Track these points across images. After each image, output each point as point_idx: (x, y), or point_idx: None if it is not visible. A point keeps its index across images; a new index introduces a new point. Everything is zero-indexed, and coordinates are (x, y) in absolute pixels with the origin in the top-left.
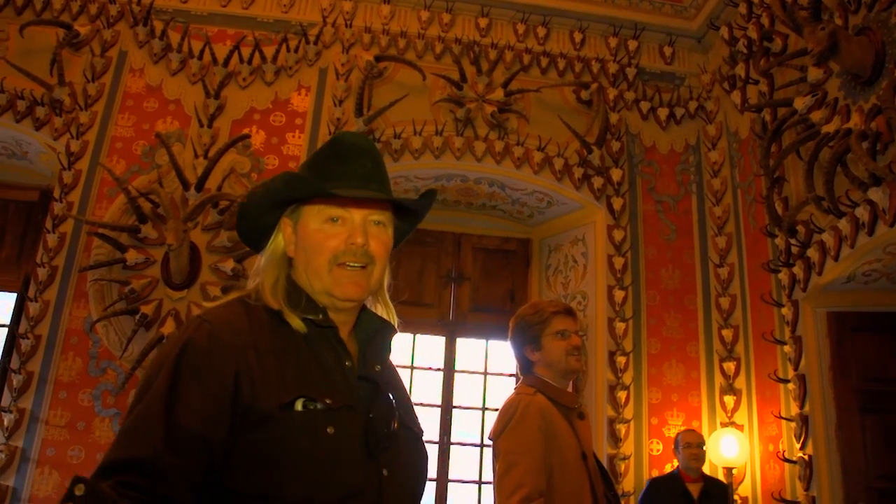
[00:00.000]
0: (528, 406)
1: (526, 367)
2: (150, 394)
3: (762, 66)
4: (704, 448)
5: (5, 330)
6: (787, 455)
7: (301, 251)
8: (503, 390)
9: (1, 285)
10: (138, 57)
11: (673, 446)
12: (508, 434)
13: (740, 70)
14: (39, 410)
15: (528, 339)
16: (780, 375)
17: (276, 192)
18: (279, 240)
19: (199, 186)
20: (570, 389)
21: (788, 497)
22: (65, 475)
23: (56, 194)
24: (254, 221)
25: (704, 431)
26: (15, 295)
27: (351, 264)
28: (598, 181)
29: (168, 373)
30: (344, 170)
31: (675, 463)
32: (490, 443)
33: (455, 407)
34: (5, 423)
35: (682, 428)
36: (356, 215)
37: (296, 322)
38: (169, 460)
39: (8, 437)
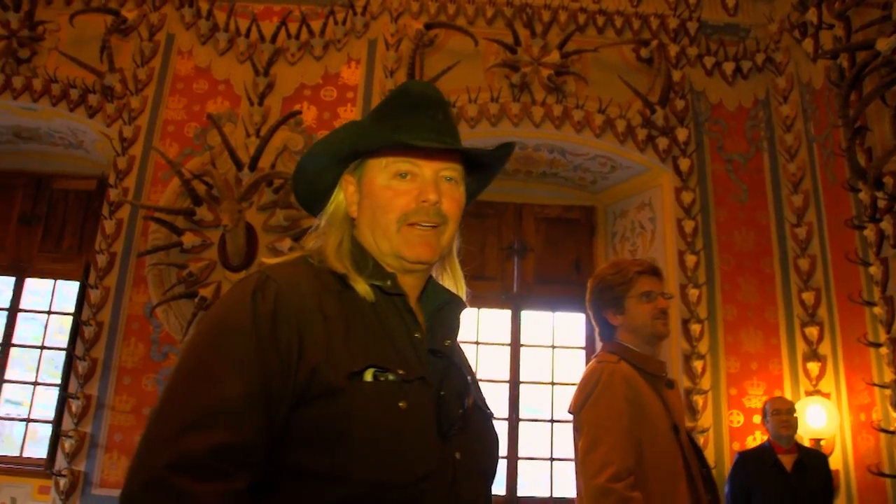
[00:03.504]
0: (612, 375)
1: (607, 332)
2: (217, 363)
3: (837, 8)
4: (795, 415)
5: (70, 318)
6: (882, 425)
7: (366, 210)
8: (571, 364)
9: (64, 274)
10: (186, 39)
11: (761, 416)
12: (591, 406)
13: (812, 16)
14: (105, 396)
15: (609, 302)
16: (871, 339)
17: (338, 144)
18: (340, 198)
19: (253, 166)
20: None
21: (887, 470)
22: None
23: (111, 181)
24: (312, 179)
25: None
26: (78, 283)
27: (423, 224)
28: (663, 142)
29: (236, 340)
30: (413, 121)
31: (759, 435)
32: (570, 417)
33: (522, 382)
34: (74, 409)
35: (764, 398)
36: (427, 170)
37: (362, 287)
38: (249, 441)
39: (77, 423)
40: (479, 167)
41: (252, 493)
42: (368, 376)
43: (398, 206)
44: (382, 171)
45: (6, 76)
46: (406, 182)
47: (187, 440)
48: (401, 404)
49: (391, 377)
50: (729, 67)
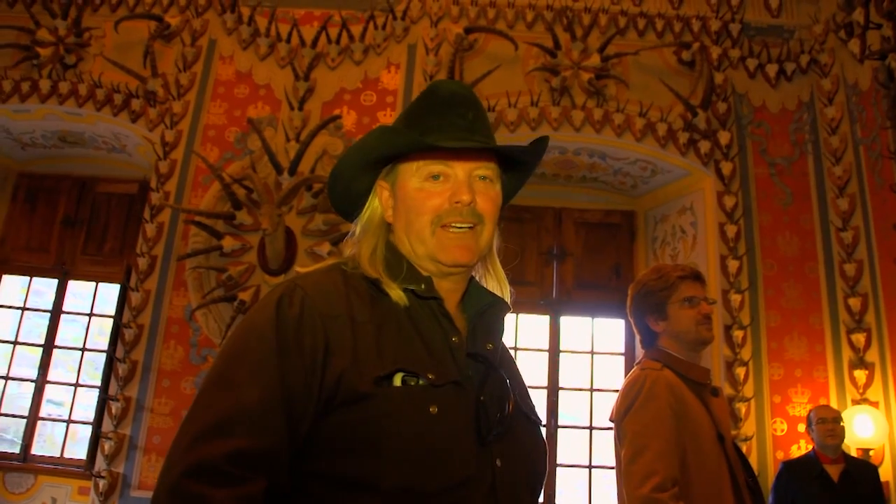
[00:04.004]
0: (655, 382)
1: (649, 339)
2: (236, 371)
3: (885, 7)
4: (842, 423)
5: (111, 320)
6: None
7: (400, 214)
8: (611, 370)
9: (106, 277)
10: (227, 44)
11: (805, 424)
12: (634, 414)
13: (858, 15)
14: (145, 399)
15: (651, 308)
16: None
17: (369, 150)
18: (375, 204)
19: (293, 170)
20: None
21: None
22: None
23: (153, 184)
24: (347, 185)
25: None
26: (119, 286)
27: (457, 225)
28: (704, 145)
29: (257, 346)
30: (443, 122)
31: (803, 444)
32: (609, 424)
33: (561, 388)
34: (113, 411)
35: (809, 406)
36: (460, 170)
37: (396, 292)
38: (266, 446)
39: (116, 425)
40: (514, 164)
41: (281, 501)
42: (397, 381)
43: (431, 207)
44: (414, 175)
45: (53, 82)
46: (439, 184)
47: (204, 447)
48: (431, 409)
49: (420, 382)
50: (772, 69)
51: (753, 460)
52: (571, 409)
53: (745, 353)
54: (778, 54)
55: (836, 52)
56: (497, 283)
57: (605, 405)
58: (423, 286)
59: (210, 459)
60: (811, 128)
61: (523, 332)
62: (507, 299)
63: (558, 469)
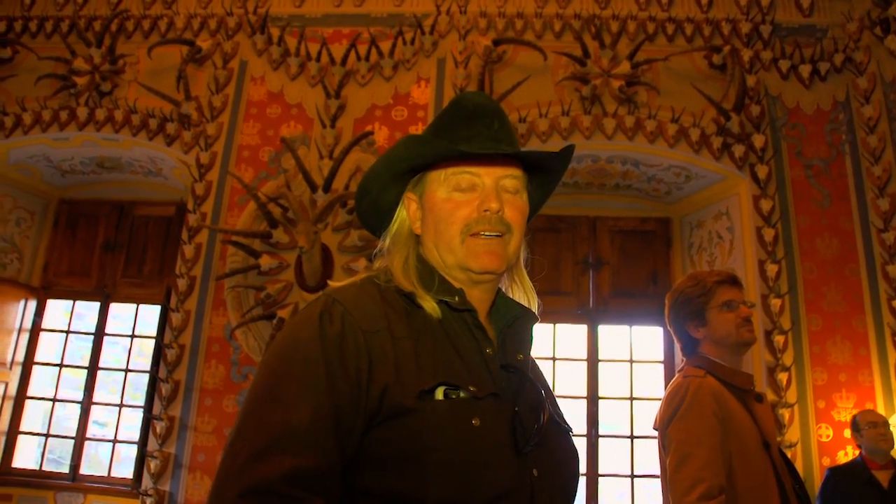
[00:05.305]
0: (699, 389)
1: (690, 346)
2: (284, 390)
3: None
4: (892, 428)
5: (152, 341)
6: None
7: (429, 225)
8: (650, 378)
9: (146, 298)
10: (258, 65)
11: (851, 429)
12: (678, 422)
13: (895, 11)
14: (188, 417)
15: (690, 315)
16: None
17: (398, 160)
18: (403, 216)
19: (327, 187)
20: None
21: None
22: None
23: (190, 206)
24: (374, 199)
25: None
26: (159, 307)
27: (486, 233)
28: (739, 149)
29: (303, 365)
30: (469, 132)
31: (850, 449)
32: (651, 432)
33: (601, 398)
34: (158, 430)
35: (854, 411)
36: (487, 178)
37: (430, 305)
38: (320, 465)
39: (161, 443)
40: (540, 173)
41: None
42: (439, 394)
43: (460, 217)
44: (442, 185)
45: (90, 109)
46: (467, 193)
47: (258, 468)
48: (474, 421)
49: (462, 394)
50: (805, 70)
51: (799, 467)
52: (611, 418)
53: (787, 358)
54: (811, 54)
55: (871, 50)
56: (524, 294)
57: (646, 413)
58: (456, 298)
59: (266, 481)
60: (848, 127)
61: (561, 342)
62: (535, 310)
63: (600, 479)
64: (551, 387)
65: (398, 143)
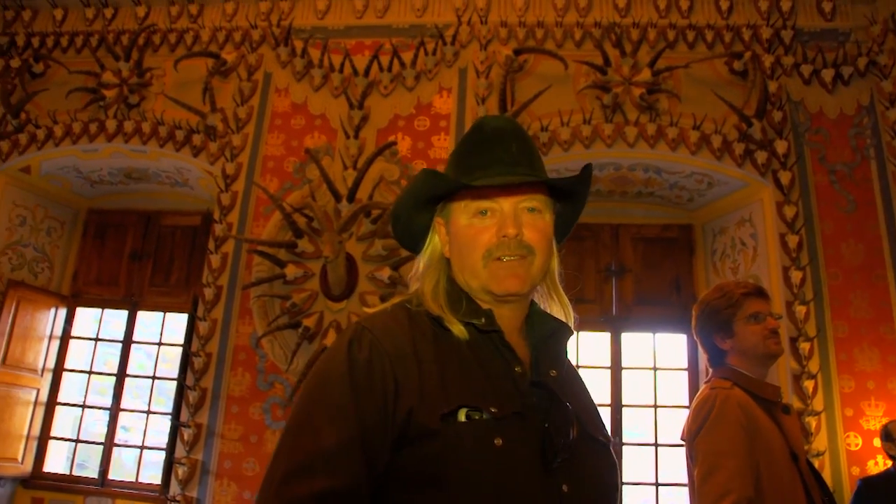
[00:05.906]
0: (726, 401)
1: (717, 358)
2: (315, 416)
3: None
4: None
5: (180, 349)
6: None
7: (455, 250)
8: (674, 386)
9: (173, 307)
10: (282, 77)
11: (881, 439)
12: (706, 434)
13: None
14: (215, 425)
15: (717, 327)
16: None
17: (417, 193)
18: (435, 240)
19: (351, 197)
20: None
21: None
22: (242, 487)
23: (216, 216)
24: (406, 224)
25: None
26: (186, 315)
27: (507, 258)
28: (761, 156)
29: (333, 391)
30: (486, 159)
31: (880, 459)
32: (675, 440)
33: (625, 406)
34: (185, 437)
35: (884, 419)
36: (506, 205)
37: (457, 328)
38: (348, 485)
39: (189, 450)
40: (564, 192)
41: None
42: (461, 416)
43: (481, 243)
44: (463, 212)
45: (118, 121)
46: (486, 219)
47: (291, 488)
48: (496, 441)
49: (483, 415)
50: (828, 74)
51: (827, 476)
52: (636, 425)
53: (813, 366)
54: (833, 58)
55: None
56: (560, 308)
57: (670, 421)
58: (483, 320)
59: (298, 499)
60: (872, 132)
61: (584, 350)
62: (571, 324)
63: (624, 487)
64: (592, 397)
65: (418, 175)
